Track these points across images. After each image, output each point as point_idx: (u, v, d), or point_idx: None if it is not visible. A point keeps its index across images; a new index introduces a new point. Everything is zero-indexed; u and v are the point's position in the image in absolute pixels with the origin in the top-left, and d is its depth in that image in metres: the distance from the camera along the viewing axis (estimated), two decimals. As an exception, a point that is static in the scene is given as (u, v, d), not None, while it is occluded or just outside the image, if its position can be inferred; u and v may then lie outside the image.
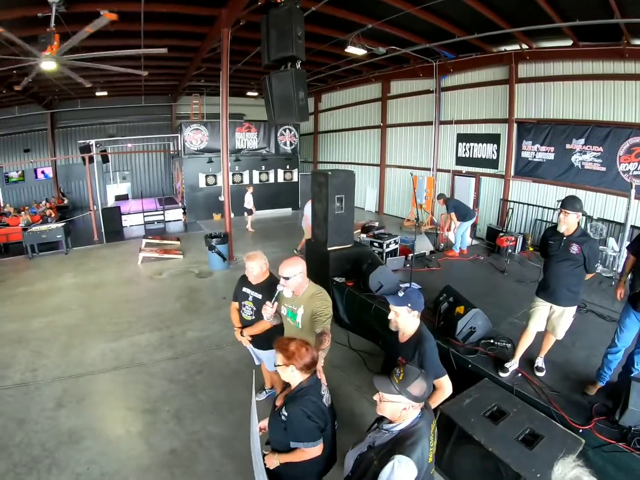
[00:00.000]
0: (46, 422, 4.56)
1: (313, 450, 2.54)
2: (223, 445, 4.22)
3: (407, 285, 3.03)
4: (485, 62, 12.13)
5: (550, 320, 4.32)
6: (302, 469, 2.63)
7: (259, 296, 4.00)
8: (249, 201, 14.49)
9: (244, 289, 4.15)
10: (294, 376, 2.57)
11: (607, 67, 9.50)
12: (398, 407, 2.14)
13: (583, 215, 4.06)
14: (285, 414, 2.52)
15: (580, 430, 3.62)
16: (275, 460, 2.57)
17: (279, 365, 2.57)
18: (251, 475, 2.65)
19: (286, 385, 2.78)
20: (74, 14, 7.73)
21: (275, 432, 2.66)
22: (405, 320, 2.95)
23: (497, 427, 3.55)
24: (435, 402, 2.99)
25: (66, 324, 7.17)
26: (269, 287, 3.95)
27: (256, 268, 3.95)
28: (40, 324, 7.13)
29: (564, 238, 4.04)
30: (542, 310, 4.31)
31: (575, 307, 4.26)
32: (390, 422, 2.24)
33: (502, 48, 11.48)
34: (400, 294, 2.95)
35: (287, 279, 3.39)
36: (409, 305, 2.89)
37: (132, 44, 10.27)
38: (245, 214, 14.75)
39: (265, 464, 2.55)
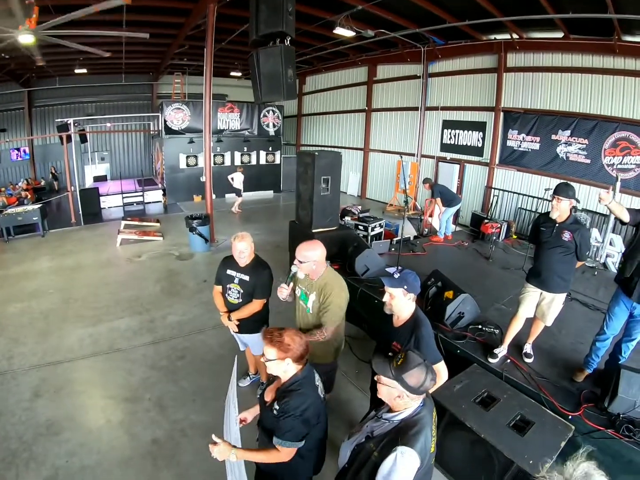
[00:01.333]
0: (23, 414, 4.37)
1: (282, 452, 2.33)
2: (208, 434, 3.93)
3: (396, 268, 2.91)
4: (475, 49, 12.06)
5: (540, 307, 4.31)
6: (294, 469, 2.49)
7: (247, 278, 3.88)
8: (239, 182, 14.28)
9: (229, 272, 4.00)
10: (288, 369, 2.40)
11: (597, 61, 9.54)
12: (392, 393, 2.04)
13: (576, 201, 3.99)
14: (277, 407, 2.36)
15: (570, 417, 3.64)
16: (231, 454, 2.34)
17: (271, 360, 2.36)
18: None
19: (273, 375, 2.55)
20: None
21: (267, 421, 2.48)
22: (400, 303, 2.83)
23: (488, 413, 3.52)
24: (432, 388, 2.92)
25: (43, 309, 6.94)
26: (256, 267, 3.89)
27: (247, 249, 3.82)
28: (16, 310, 6.89)
29: (556, 225, 4.01)
30: (532, 296, 4.29)
31: (565, 294, 4.26)
32: (390, 410, 2.14)
33: (492, 36, 11.40)
34: (396, 275, 2.84)
35: (301, 262, 3.26)
36: (405, 287, 2.77)
37: (113, 19, 9.98)
38: (235, 194, 14.59)
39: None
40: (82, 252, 10.12)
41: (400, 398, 2.03)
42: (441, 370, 2.89)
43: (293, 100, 20.77)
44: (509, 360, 4.48)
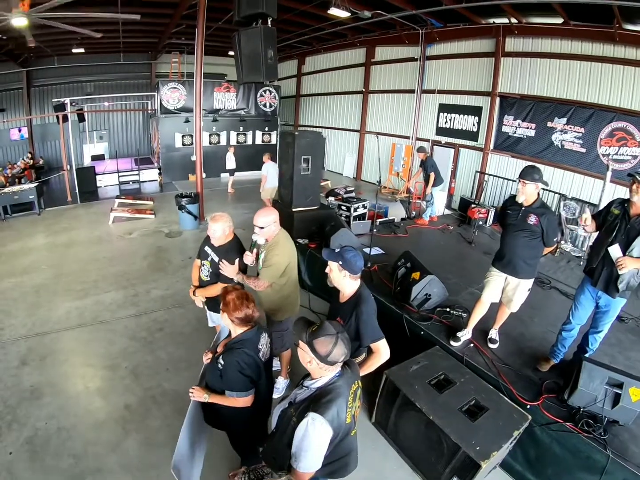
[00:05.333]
0: (9, 380, 4.63)
1: (243, 400, 2.67)
2: (176, 400, 4.32)
3: (348, 246, 2.96)
4: (473, 33, 11.83)
5: (505, 292, 4.25)
6: (235, 411, 2.76)
7: (217, 259, 3.90)
8: (231, 161, 14.27)
9: (206, 248, 4.06)
10: (230, 326, 2.73)
11: (597, 49, 9.33)
12: (305, 357, 2.13)
13: (544, 184, 3.91)
14: (222, 362, 2.64)
15: (528, 406, 3.59)
16: (204, 395, 2.73)
17: (221, 312, 2.71)
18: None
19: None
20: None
21: (212, 377, 2.80)
22: (337, 277, 2.90)
23: (441, 395, 3.51)
24: (371, 366, 2.95)
25: (35, 283, 7.15)
26: (228, 251, 3.89)
27: (218, 230, 3.83)
28: (10, 284, 7.11)
29: (523, 208, 3.93)
30: (496, 280, 4.23)
31: (531, 280, 4.16)
32: (311, 378, 2.21)
33: (491, 20, 11.17)
34: (337, 249, 2.91)
35: (261, 228, 3.64)
36: (340, 263, 2.84)
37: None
38: (228, 174, 14.60)
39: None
40: (76, 229, 10.30)
41: (311, 364, 2.10)
42: (381, 348, 2.91)
43: (292, 81, 20.94)
44: (472, 345, 4.44)
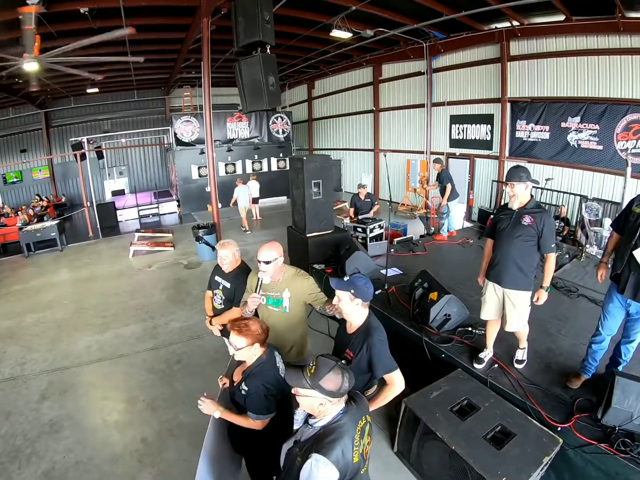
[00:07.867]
0: (30, 414, 4.76)
1: (257, 423, 2.65)
2: (192, 433, 4.30)
3: (357, 273, 2.87)
4: (476, 40, 11.74)
5: (504, 308, 3.92)
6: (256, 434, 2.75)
7: (228, 285, 3.96)
8: (255, 190, 14.36)
9: (216, 277, 4.12)
10: (256, 353, 2.68)
11: (602, 42, 9.12)
12: (314, 402, 2.01)
13: (534, 183, 3.64)
14: (246, 388, 2.65)
15: (559, 429, 3.32)
16: (216, 411, 2.72)
17: (241, 348, 2.63)
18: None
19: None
20: (54, 13, 7.75)
21: (237, 404, 2.81)
22: (347, 307, 2.77)
23: (464, 423, 3.32)
24: (385, 399, 2.82)
25: (56, 318, 7.38)
26: (237, 275, 3.91)
27: (229, 256, 3.88)
28: (32, 320, 7.36)
29: (516, 211, 3.66)
30: (491, 295, 3.94)
31: (528, 293, 3.79)
32: (315, 417, 2.11)
33: (493, 26, 11.11)
34: (346, 278, 2.82)
35: (267, 263, 3.20)
36: (352, 291, 2.72)
37: (114, 40, 10.12)
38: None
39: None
40: (97, 264, 10.60)
41: (323, 405, 2.01)
42: (395, 379, 2.78)
43: (303, 105, 21.21)
44: (496, 365, 4.18)
